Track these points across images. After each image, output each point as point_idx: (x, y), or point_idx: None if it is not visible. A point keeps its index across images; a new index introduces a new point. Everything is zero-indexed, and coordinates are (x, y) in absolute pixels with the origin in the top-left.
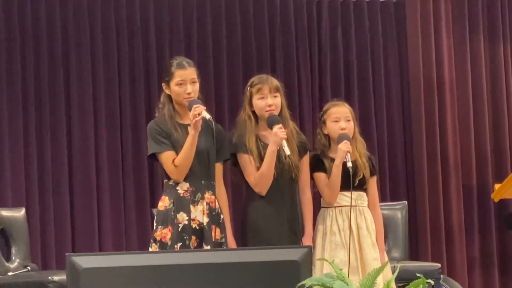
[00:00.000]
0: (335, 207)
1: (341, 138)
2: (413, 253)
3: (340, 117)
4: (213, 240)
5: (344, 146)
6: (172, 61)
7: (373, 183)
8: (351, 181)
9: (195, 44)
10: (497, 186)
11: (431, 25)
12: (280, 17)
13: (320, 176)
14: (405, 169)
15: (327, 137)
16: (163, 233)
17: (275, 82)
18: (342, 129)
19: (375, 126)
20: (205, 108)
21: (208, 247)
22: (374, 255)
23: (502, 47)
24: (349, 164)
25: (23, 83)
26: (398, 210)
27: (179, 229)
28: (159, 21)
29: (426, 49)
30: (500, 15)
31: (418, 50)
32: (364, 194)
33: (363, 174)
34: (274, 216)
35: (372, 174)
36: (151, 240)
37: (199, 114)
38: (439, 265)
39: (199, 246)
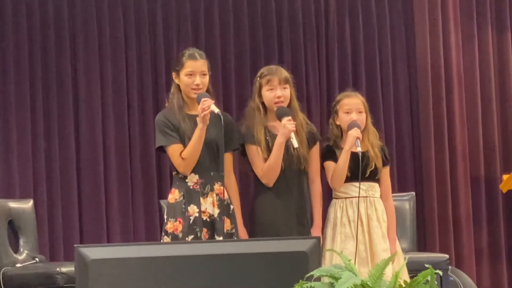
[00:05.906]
0: (345, 198)
1: (351, 125)
2: (421, 244)
3: (352, 109)
4: (224, 231)
5: (355, 132)
6: (185, 52)
7: (385, 174)
8: (360, 166)
9: (203, 35)
10: (505, 176)
11: (438, 15)
12: (287, 8)
13: (330, 164)
14: (413, 160)
15: (339, 127)
16: (175, 225)
17: (284, 73)
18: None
19: (382, 117)
20: (213, 101)
21: (221, 239)
22: (384, 246)
23: (510, 35)
24: (358, 149)
25: (30, 76)
26: (406, 201)
27: (190, 222)
28: (166, 13)
29: (434, 40)
30: (508, 3)
31: (426, 40)
32: (376, 184)
33: (375, 164)
34: (281, 208)
35: (384, 165)
36: (163, 233)
37: (207, 108)
38: (447, 256)
39: (211, 238)
